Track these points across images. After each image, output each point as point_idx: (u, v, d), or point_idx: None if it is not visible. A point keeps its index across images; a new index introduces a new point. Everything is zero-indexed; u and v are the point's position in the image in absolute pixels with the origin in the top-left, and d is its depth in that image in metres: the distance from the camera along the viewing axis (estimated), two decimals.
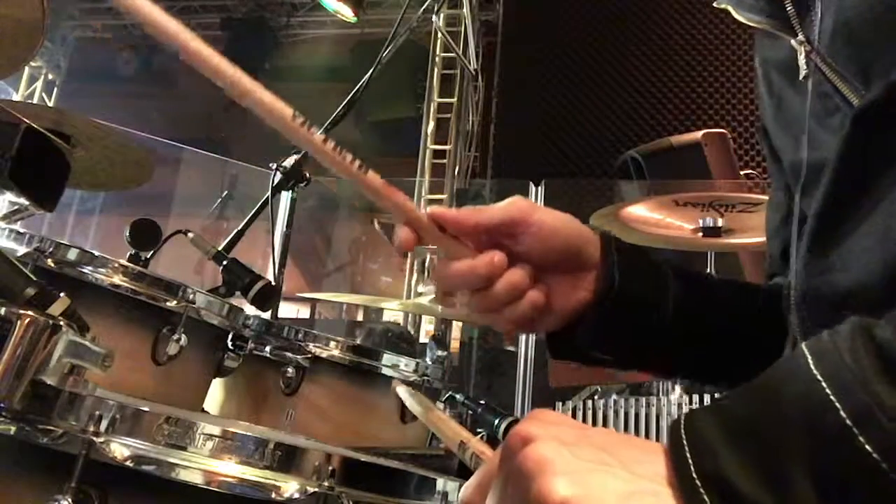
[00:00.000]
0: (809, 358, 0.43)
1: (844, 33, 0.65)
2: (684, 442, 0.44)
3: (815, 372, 0.42)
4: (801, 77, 0.71)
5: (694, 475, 0.42)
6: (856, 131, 0.62)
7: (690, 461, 0.43)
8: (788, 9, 0.72)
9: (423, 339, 4.84)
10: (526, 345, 3.40)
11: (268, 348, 1.51)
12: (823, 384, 0.41)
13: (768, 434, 0.42)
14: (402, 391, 0.87)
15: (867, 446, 0.39)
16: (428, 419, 0.70)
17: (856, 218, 0.62)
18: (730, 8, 0.79)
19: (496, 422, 1.43)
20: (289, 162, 1.96)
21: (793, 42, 0.72)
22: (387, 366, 1.59)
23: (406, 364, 1.63)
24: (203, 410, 1.46)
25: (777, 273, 0.89)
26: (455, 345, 4.72)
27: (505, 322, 0.75)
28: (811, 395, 0.41)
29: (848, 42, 0.65)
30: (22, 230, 1.23)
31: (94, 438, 0.80)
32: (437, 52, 6.17)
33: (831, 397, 0.40)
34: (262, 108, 0.59)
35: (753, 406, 0.44)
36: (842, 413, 0.40)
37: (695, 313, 0.83)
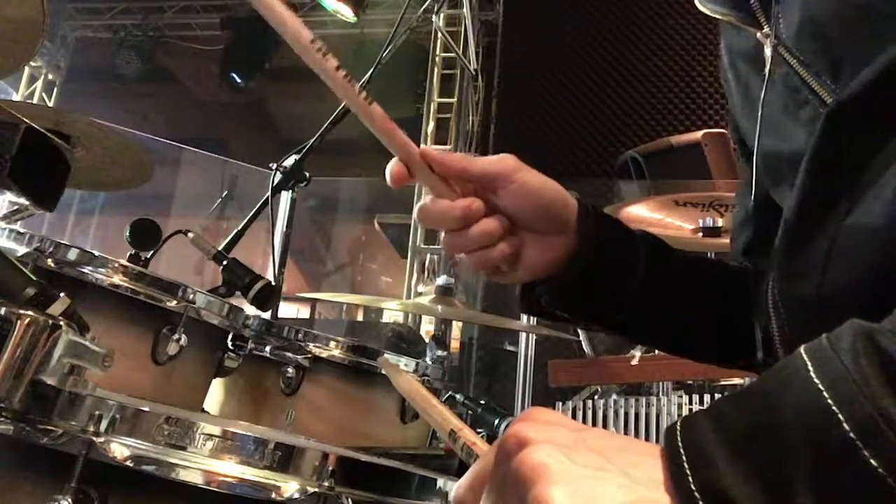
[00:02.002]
0: (809, 364, 0.41)
1: (810, 28, 0.64)
2: (681, 451, 0.43)
3: (815, 380, 0.40)
4: (766, 69, 0.71)
5: (692, 486, 0.41)
6: (830, 130, 0.61)
7: (688, 471, 0.41)
8: (752, 1, 0.72)
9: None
10: (526, 345, 3.39)
11: (268, 348, 1.51)
12: (825, 394, 0.39)
13: (768, 445, 0.40)
14: (389, 370, 0.86)
15: (872, 461, 0.37)
16: (417, 403, 0.69)
17: (833, 219, 0.61)
18: None
19: (496, 422, 1.43)
20: (289, 162, 1.96)
21: (758, 35, 0.72)
22: None
23: (406, 364, 1.63)
24: (203, 410, 1.46)
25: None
26: (455, 345, 4.72)
27: (474, 263, 0.80)
28: (812, 404, 0.40)
29: (814, 37, 0.64)
30: (22, 230, 1.22)
31: (94, 438, 0.80)
32: (437, 52, 6.16)
33: (833, 408, 0.39)
34: (282, 28, 0.63)
35: (752, 413, 0.43)
36: (845, 425, 0.38)
37: (663, 282, 0.86)
